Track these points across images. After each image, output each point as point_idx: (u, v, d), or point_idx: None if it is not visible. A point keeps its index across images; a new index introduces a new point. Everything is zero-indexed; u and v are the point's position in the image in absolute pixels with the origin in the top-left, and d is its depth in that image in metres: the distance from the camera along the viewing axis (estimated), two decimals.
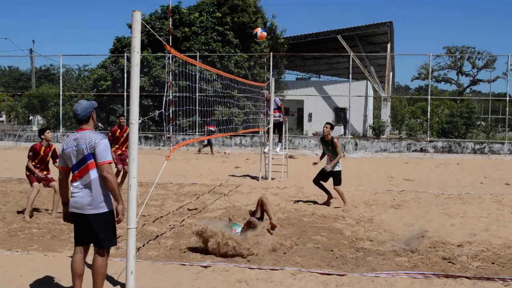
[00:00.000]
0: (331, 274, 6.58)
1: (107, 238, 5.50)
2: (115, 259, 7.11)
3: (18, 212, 10.64)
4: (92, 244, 5.56)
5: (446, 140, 28.48)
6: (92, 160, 5.36)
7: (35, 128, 37.84)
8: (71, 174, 5.56)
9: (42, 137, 10.36)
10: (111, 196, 5.47)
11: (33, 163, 10.30)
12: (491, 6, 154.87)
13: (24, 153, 24.86)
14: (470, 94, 64.20)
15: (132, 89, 5.99)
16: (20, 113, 39.60)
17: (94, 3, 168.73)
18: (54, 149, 10.39)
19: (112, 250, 7.71)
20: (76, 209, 5.41)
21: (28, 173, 10.48)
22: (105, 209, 5.43)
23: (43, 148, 10.33)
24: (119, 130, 13.06)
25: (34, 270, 6.62)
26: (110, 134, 13.10)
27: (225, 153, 26.87)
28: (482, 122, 38.30)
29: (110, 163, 5.42)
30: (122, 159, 12.98)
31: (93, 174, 5.37)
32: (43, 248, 7.77)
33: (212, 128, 24.96)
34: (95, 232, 5.39)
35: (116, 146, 13.01)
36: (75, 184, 5.44)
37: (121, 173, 13.00)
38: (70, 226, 9.19)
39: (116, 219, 5.51)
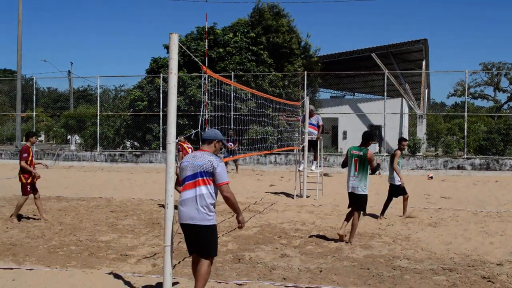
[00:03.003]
0: None
1: (213, 247, 5.94)
2: (152, 276, 7.17)
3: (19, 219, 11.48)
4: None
5: (483, 157, 28.03)
6: (204, 178, 5.85)
7: (73, 147, 38.43)
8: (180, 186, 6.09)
9: (31, 140, 11.66)
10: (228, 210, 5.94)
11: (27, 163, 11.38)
12: None
13: (62, 173, 25.37)
14: (508, 110, 63.22)
15: (170, 111, 6.08)
16: (58, 132, 40.19)
17: (130, 25, 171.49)
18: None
19: (149, 266, 7.79)
20: (185, 219, 5.87)
21: (24, 182, 11.47)
22: (213, 222, 5.87)
23: (30, 149, 11.59)
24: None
25: (72, 287, 6.69)
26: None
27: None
28: None
29: (228, 183, 5.91)
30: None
31: (199, 190, 5.83)
32: (81, 265, 7.85)
33: (233, 147, 24.91)
34: (203, 242, 5.86)
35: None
36: (184, 193, 5.91)
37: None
38: (107, 244, 9.33)
39: (238, 225, 6.10)
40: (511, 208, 14.23)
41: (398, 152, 12.12)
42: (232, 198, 5.91)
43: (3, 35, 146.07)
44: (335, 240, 9.75)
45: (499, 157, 28.31)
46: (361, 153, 9.61)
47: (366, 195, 9.79)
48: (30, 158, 11.49)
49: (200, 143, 6.25)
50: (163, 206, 13.66)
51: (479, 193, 18.08)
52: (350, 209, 9.89)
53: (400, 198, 12.65)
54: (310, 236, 10.22)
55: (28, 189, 11.45)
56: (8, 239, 9.59)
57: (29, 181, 11.44)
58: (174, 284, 6.28)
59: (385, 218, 12.32)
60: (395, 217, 12.58)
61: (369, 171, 9.75)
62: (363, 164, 9.72)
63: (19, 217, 11.64)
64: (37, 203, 11.55)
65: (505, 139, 31.17)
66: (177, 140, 14.04)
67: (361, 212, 10.04)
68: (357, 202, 9.78)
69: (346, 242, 9.59)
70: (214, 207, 5.97)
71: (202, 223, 5.80)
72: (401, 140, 12.54)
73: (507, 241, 9.93)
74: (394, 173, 12.39)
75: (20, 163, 11.43)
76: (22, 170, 11.41)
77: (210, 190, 5.88)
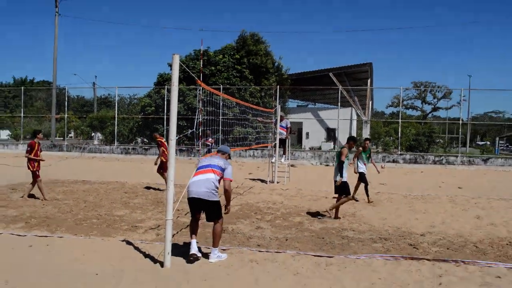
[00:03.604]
0: (322, 256, 6.56)
1: (219, 214, 6.40)
2: (155, 243, 7.14)
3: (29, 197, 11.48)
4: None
5: (412, 154, 28.33)
6: (215, 169, 6.37)
7: (95, 142, 38.13)
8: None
9: (38, 136, 11.51)
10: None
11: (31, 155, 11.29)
12: (449, 48, 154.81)
13: (86, 162, 25.14)
14: (432, 118, 63.88)
15: (171, 115, 6.07)
16: (84, 131, 39.99)
17: (143, 47, 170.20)
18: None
19: (153, 235, 7.77)
20: (193, 194, 6.27)
21: (32, 170, 11.33)
22: (216, 199, 6.31)
23: (37, 144, 11.41)
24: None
25: (93, 250, 6.66)
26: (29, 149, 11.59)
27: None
28: (441, 140, 38.20)
29: (231, 181, 6.46)
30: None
31: (209, 176, 6.30)
32: (101, 234, 7.79)
33: (208, 143, 24.82)
34: (212, 212, 6.37)
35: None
36: (195, 177, 6.38)
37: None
38: (121, 218, 9.28)
39: (225, 211, 6.52)
40: (432, 193, 14.38)
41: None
42: (230, 192, 6.44)
43: (42, 51, 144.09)
44: (298, 215, 9.78)
45: (424, 153, 28.67)
46: (338, 149, 9.64)
47: (341, 182, 9.58)
48: (35, 151, 11.36)
49: (217, 151, 7.00)
50: (147, 188, 13.73)
51: (409, 181, 18.26)
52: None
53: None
54: (279, 213, 10.26)
55: (37, 174, 11.36)
56: (44, 213, 9.49)
57: (35, 168, 11.32)
58: (192, 257, 6.23)
59: (372, 201, 12.08)
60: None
61: (346, 163, 9.70)
62: (337, 158, 9.81)
63: (30, 196, 11.57)
64: (40, 185, 11.46)
65: (429, 140, 31.68)
66: (161, 137, 14.16)
67: (343, 195, 9.70)
68: (335, 187, 9.71)
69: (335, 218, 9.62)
70: (217, 191, 6.33)
71: (210, 199, 6.22)
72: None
73: (428, 217, 10.05)
74: (356, 163, 12.22)
75: (26, 155, 11.40)
76: (29, 160, 11.31)
77: (216, 178, 6.32)
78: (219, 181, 6.39)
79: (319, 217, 9.79)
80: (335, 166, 9.84)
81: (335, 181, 9.65)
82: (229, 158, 7.02)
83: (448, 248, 7.31)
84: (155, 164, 13.62)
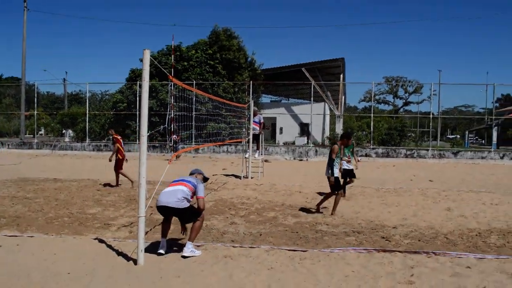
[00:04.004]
0: (296, 250, 6.60)
1: (193, 216, 6.43)
2: (128, 240, 7.07)
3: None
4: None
5: (385, 148, 28.72)
6: (186, 183, 6.45)
7: (67, 139, 37.55)
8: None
9: None
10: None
11: None
12: (420, 44, 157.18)
13: (57, 160, 24.68)
14: (403, 113, 64.82)
15: (143, 110, 6.02)
16: (55, 128, 39.40)
17: (115, 42, 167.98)
18: None
19: (126, 233, 7.70)
20: (161, 203, 6.30)
21: None
22: (187, 205, 6.31)
23: None
24: None
25: (65, 249, 6.55)
26: None
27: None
28: (412, 134, 38.80)
29: (203, 198, 6.44)
30: None
31: (181, 187, 6.36)
32: (72, 232, 7.67)
33: (174, 138, 24.80)
34: (185, 218, 6.56)
35: None
36: (167, 188, 6.46)
37: None
38: (93, 216, 9.16)
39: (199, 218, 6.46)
40: (404, 186, 14.60)
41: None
42: (202, 208, 6.41)
43: (9, 47, 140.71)
44: (272, 210, 9.81)
45: (396, 147, 29.06)
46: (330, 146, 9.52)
47: (333, 177, 9.51)
48: None
49: (189, 174, 7.02)
50: (102, 185, 13.61)
51: (381, 174, 18.50)
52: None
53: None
54: (253, 208, 10.27)
55: None
56: (14, 213, 9.28)
57: None
58: (159, 254, 6.28)
59: (346, 199, 11.67)
60: (318, 193, 12.74)
61: (338, 159, 9.67)
62: (329, 154, 9.76)
63: None
64: None
65: (400, 134, 32.08)
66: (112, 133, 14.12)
67: (336, 192, 9.65)
68: (329, 183, 9.68)
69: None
70: (189, 200, 6.36)
71: (180, 206, 6.24)
72: (341, 136, 10.64)
73: (401, 210, 10.19)
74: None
75: None
76: None
77: (187, 190, 6.36)
78: (191, 196, 6.43)
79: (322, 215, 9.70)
80: (327, 163, 9.80)
81: (328, 178, 9.64)
82: (205, 179, 7.04)
83: (419, 240, 7.43)
84: (110, 160, 13.61)
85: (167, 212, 6.35)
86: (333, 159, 9.53)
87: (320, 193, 12.38)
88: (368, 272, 5.69)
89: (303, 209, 10.16)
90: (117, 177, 13.65)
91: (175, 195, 6.25)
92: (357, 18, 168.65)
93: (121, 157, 13.52)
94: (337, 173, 9.66)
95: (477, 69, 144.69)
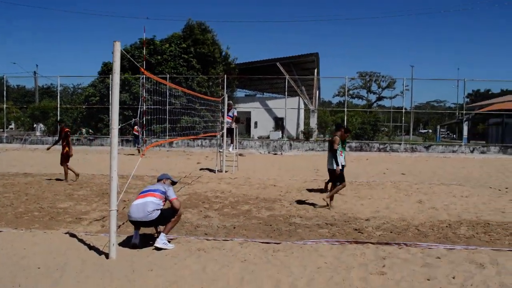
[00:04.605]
0: (270, 243, 6.62)
1: (165, 220, 6.46)
2: (100, 234, 6.98)
3: None
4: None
5: (358, 142, 29.03)
6: (155, 192, 6.43)
7: (38, 133, 36.91)
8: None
9: None
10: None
11: None
12: (394, 39, 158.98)
13: (28, 154, 24.19)
14: (377, 108, 65.61)
15: (113, 102, 5.94)
16: (25, 122, 38.75)
17: (88, 34, 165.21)
18: None
19: (98, 227, 7.61)
20: (136, 218, 6.30)
21: None
22: (157, 215, 6.31)
23: None
24: None
25: (35, 244, 6.43)
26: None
27: None
28: (385, 128, 39.32)
29: (177, 198, 6.51)
30: None
31: (150, 198, 6.35)
32: (43, 227, 7.54)
33: (135, 132, 24.62)
34: (158, 223, 6.62)
35: None
36: (136, 201, 6.42)
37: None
38: (65, 210, 9.02)
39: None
40: (377, 179, 14.77)
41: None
42: (180, 212, 6.51)
43: None
44: (246, 203, 9.81)
45: (370, 141, 29.42)
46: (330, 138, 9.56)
47: (334, 169, 9.58)
48: None
49: (157, 180, 6.96)
50: (49, 179, 13.46)
51: (355, 168, 18.64)
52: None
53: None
54: (227, 202, 10.25)
55: None
56: None
57: None
58: (133, 245, 6.30)
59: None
60: (292, 186, 12.78)
61: (339, 152, 9.70)
62: (330, 146, 9.79)
63: None
64: None
65: (374, 129, 32.49)
66: (63, 125, 14.02)
67: (337, 183, 9.71)
68: (330, 175, 9.84)
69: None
70: (158, 209, 6.34)
71: (150, 218, 6.27)
72: (338, 128, 10.58)
73: (373, 203, 10.32)
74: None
75: None
76: None
77: (157, 200, 6.36)
78: (163, 202, 6.49)
79: (314, 206, 9.73)
80: (329, 155, 9.81)
81: (329, 169, 9.74)
82: (173, 183, 7.03)
83: (391, 231, 7.54)
84: (47, 149, 14.19)
85: (139, 224, 6.38)
86: (336, 150, 9.60)
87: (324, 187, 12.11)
88: (340, 264, 5.75)
89: (277, 203, 10.16)
90: (66, 171, 13.45)
91: (145, 209, 6.24)
92: (331, 13, 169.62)
93: (69, 152, 13.46)
94: (343, 161, 9.86)
95: (448, 65, 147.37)
